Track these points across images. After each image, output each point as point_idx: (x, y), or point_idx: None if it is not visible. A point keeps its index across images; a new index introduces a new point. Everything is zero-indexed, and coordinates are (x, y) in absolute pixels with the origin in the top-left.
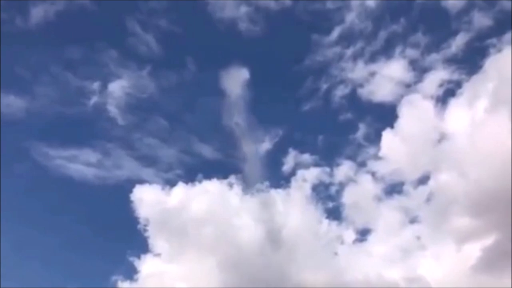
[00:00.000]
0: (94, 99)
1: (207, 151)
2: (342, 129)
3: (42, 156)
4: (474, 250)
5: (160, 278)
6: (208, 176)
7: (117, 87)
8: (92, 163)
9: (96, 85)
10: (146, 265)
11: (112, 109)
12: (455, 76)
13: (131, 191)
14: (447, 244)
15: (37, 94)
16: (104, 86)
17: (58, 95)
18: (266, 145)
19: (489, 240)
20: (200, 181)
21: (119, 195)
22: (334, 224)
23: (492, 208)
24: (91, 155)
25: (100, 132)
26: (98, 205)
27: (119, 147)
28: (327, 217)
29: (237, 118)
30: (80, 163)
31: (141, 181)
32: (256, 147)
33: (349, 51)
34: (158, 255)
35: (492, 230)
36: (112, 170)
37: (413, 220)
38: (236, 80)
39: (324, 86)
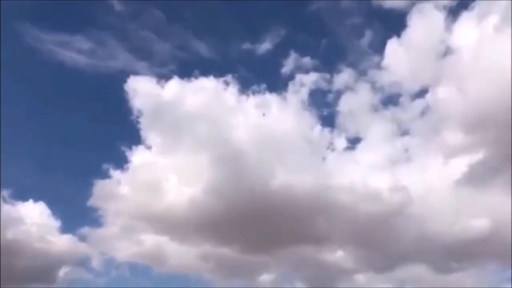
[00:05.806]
0: None
1: (203, 48)
2: (348, 34)
3: (33, 39)
4: (461, 165)
5: (151, 169)
6: (204, 73)
7: None
8: (85, 51)
9: None
10: (137, 156)
11: None
12: None
13: (124, 82)
14: (434, 158)
15: None
16: None
17: None
18: (266, 45)
19: (477, 156)
20: (196, 77)
21: (112, 85)
22: (326, 130)
23: (485, 125)
24: (84, 43)
25: (95, 19)
26: (90, 93)
27: (113, 38)
28: (321, 124)
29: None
30: (73, 50)
31: (135, 73)
32: (256, 47)
33: None
34: (149, 147)
35: (482, 147)
36: (105, 60)
37: (404, 133)
38: None
39: None
